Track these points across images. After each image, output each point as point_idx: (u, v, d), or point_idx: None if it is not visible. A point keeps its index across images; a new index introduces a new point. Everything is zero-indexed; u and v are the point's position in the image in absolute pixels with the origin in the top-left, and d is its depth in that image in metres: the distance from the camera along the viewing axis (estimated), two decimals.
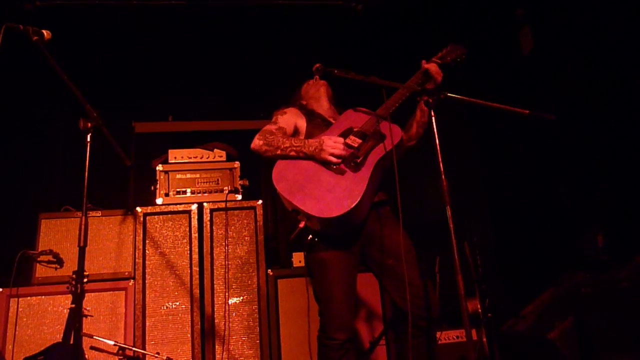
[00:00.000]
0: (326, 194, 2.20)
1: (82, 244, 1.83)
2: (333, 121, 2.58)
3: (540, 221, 3.97)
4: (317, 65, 2.49)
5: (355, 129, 2.40)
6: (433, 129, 2.03)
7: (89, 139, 1.94)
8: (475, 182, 4.74)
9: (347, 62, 2.63)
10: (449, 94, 2.10)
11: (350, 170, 2.27)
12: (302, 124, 2.56)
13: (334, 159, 2.27)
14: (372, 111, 2.47)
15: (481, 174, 4.77)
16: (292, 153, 2.33)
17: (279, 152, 2.35)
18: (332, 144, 2.29)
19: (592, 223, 3.37)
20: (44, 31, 2.08)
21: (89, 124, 1.93)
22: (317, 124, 2.55)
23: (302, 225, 2.19)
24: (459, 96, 2.11)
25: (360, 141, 2.34)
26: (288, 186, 2.26)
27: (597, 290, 2.78)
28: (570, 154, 3.73)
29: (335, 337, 2.24)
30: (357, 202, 2.15)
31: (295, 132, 2.56)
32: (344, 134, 2.39)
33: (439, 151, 2.00)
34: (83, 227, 1.84)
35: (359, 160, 2.29)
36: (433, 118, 2.04)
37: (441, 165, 1.97)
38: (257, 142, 2.41)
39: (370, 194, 2.29)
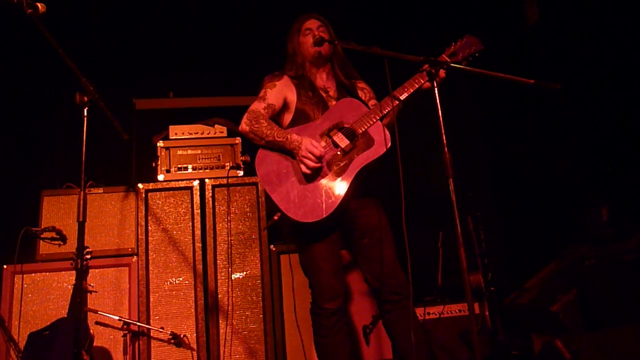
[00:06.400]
0: (302, 198, 2.23)
1: (81, 219, 1.83)
2: (324, 95, 2.51)
3: (544, 194, 3.95)
4: (317, 37, 2.44)
5: (345, 125, 2.33)
6: (436, 101, 1.99)
7: (85, 113, 1.92)
8: (479, 156, 4.71)
9: (352, 35, 2.57)
10: (452, 64, 2.05)
11: (332, 174, 2.25)
12: (292, 97, 2.49)
13: (305, 169, 2.24)
14: (367, 107, 2.40)
15: (485, 148, 4.73)
16: (276, 146, 2.33)
17: (263, 142, 2.36)
18: (307, 154, 2.23)
19: (596, 196, 3.35)
20: (38, 4, 2.03)
21: (85, 98, 1.90)
22: (308, 98, 2.48)
23: (276, 217, 2.26)
24: (462, 66, 2.06)
25: (347, 142, 2.29)
26: (268, 176, 2.30)
27: (601, 263, 2.77)
28: (574, 126, 3.69)
29: (326, 307, 2.30)
30: (330, 212, 2.18)
31: (285, 106, 2.50)
32: (332, 129, 2.33)
33: (442, 124, 1.96)
34: (82, 202, 1.83)
35: (342, 164, 2.26)
36: (436, 90, 2.00)
37: (444, 137, 1.94)
38: (244, 127, 2.41)
39: (351, 196, 2.27)
